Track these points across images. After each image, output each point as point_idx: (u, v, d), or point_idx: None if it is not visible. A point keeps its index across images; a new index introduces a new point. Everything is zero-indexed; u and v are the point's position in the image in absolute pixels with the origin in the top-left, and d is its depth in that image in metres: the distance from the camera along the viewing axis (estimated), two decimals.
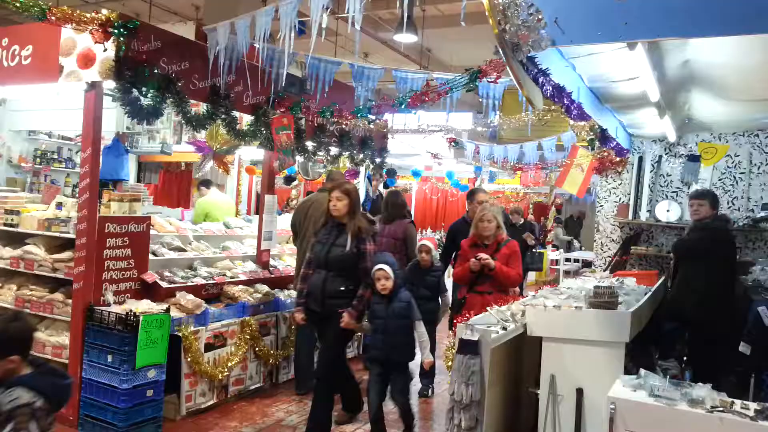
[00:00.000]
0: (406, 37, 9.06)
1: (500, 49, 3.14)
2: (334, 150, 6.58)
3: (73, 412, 4.10)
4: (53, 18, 4.03)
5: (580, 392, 3.39)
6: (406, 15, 8.04)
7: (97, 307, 4.12)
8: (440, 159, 10.32)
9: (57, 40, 4.37)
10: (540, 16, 3.02)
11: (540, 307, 3.54)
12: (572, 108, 4.02)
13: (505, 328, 3.38)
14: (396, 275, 4.00)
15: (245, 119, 5.56)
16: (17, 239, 4.76)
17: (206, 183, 7.47)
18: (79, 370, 4.10)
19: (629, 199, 6.70)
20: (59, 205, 4.72)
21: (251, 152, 8.30)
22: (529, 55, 3.27)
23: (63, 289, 4.46)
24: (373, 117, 5.57)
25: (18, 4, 3.96)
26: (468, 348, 3.04)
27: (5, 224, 4.77)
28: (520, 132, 8.77)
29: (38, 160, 7.67)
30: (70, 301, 4.27)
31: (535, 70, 3.42)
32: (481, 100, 5.16)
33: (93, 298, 4.15)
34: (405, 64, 12.13)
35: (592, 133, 5.19)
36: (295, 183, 12.51)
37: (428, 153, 9.99)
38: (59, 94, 4.98)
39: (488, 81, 4.07)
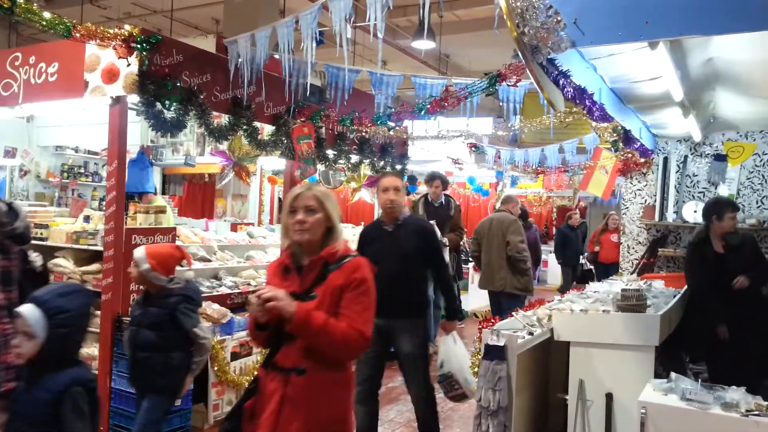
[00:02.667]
0: (423, 44, 9.07)
1: (519, 52, 3.12)
2: (354, 158, 6.60)
3: (102, 422, 4.16)
4: (78, 35, 4.13)
5: (609, 397, 3.34)
6: (425, 21, 8.07)
7: (125, 317, 4.17)
8: (461, 164, 10.29)
9: (82, 56, 4.46)
10: (559, 18, 3.00)
11: (567, 311, 3.50)
12: (594, 109, 3.98)
13: (531, 333, 3.35)
14: (54, 333, 2.10)
15: (266, 129, 5.61)
16: (47, 252, 4.85)
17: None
18: (108, 381, 4.16)
19: (655, 201, 6.59)
20: (87, 218, 4.80)
21: (273, 162, 8.37)
22: (549, 57, 3.25)
23: None
24: (393, 124, 5.59)
25: (44, 22, 4.06)
26: (494, 353, 3.01)
27: (35, 238, 4.86)
28: (541, 135, 8.70)
29: (65, 174, 7.82)
30: (98, 312, 4.34)
31: (556, 72, 3.39)
32: (501, 104, 5.14)
33: (121, 309, 4.21)
34: (423, 71, 12.14)
35: (615, 135, 5.13)
36: None
37: (449, 159, 9.97)
38: (84, 109, 5.09)
39: (508, 84, 4.06)
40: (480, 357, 3.10)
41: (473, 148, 9.23)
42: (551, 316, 3.58)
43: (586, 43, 3.10)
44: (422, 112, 4.55)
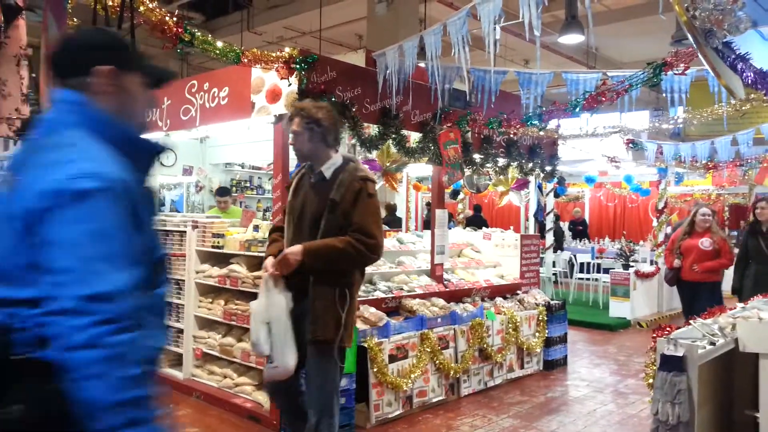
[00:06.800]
0: (572, 38, 8.69)
1: (690, 37, 2.90)
2: (501, 161, 6.51)
3: (276, 417, 4.47)
4: (245, 60, 4.50)
5: None
6: (575, 12, 7.74)
7: None
8: (618, 162, 9.65)
9: (248, 80, 4.86)
10: None
11: (754, 319, 3.14)
12: None
13: (713, 343, 3.05)
14: None
15: (413, 136, 5.71)
16: (223, 259, 5.35)
17: (227, 192, 7.10)
18: None
19: None
20: (256, 228, 5.21)
21: (418, 169, 8.52)
22: (724, 40, 2.97)
23: None
24: (544, 124, 5.42)
25: (217, 51, 4.48)
26: (672, 364, 2.79)
27: (213, 246, 5.38)
28: (709, 127, 7.93)
29: (234, 188, 8.58)
30: None
31: (733, 56, 3.09)
32: (663, 94, 4.77)
33: None
34: (569, 67, 11.66)
35: None
36: (461, 197, 12.59)
37: (604, 157, 9.41)
38: (250, 128, 5.53)
39: (675, 73, 3.76)
40: (655, 367, 2.88)
41: (630, 144, 8.63)
42: (735, 324, 3.23)
43: None
44: (577, 109, 4.36)
